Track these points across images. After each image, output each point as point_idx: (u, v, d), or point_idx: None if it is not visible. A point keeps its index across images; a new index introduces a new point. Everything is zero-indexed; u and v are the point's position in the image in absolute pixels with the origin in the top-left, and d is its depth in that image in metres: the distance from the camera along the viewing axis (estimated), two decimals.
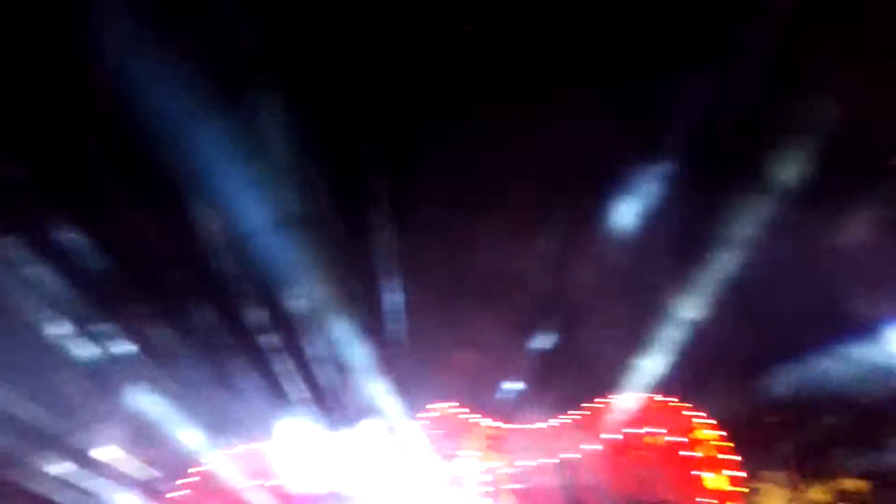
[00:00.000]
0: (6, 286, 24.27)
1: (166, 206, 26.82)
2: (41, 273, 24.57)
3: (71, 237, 25.75)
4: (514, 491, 31.94)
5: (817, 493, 28.84)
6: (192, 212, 26.89)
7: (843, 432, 27.27)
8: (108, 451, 27.67)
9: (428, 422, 32.06)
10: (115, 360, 27.33)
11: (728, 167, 26.12)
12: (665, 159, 26.38)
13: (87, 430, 27.36)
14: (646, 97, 25.17)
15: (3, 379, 23.66)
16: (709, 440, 30.74)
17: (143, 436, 27.90)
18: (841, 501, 28.06)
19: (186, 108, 24.16)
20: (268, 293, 28.69)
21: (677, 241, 28.67)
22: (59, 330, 26.06)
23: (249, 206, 26.20)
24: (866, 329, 27.19)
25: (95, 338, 26.94)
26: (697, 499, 30.31)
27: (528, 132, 26.82)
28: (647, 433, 31.19)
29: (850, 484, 28.20)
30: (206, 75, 24.26)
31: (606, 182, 27.43)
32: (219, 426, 29.27)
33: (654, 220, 27.90)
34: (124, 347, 27.49)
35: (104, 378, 26.93)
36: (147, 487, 28.16)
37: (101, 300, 26.69)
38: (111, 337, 27.37)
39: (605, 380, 30.44)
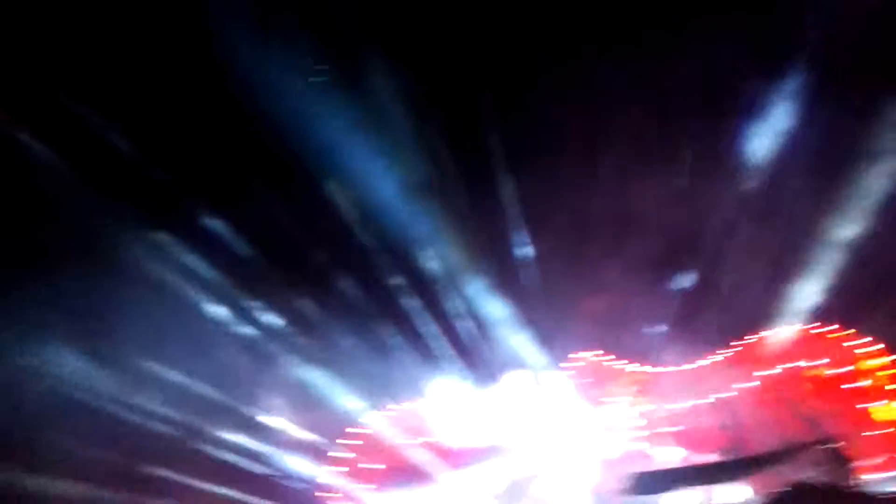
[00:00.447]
0: (170, 276, 26.70)
1: (300, 187, 28.38)
2: (197, 261, 26.76)
3: (221, 226, 27.85)
4: (670, 433, 31.51)
5: None
6: (324, 189, 28.24)
7: None
8: (272, 419, 29.71)
9: (574, 371, 32.13)
10: (272, 334, 29.12)
11: (870, 71, 23.80)
12: (795, 71, 24.44)
13: (253, 401, 29.37)
14: (765, 12, 23.43)
15: (175, 358, 26.21)
16: (875, 369, 28.72)
17: (303, 403, 29.55)
18: None
19: (306, 90, 25.46)
20: (405, 259, 29.59)
21: (821, 159, 26.63)
22: (219, 311, 28.20)
23: (378, 176, 27.12)
24: None
25: (252, 316, 28.94)
26: (865, 432, 28.53)
27: (645, 64, 25.85)
28: (807, 366, 29.53)
29: None
30: (322, 54, 25.46)
31: (734, 104, 25.81)
32: (372, 389, 30.63)
33: (793, 139, 26.03)
34: (279, 322, 29.19)
35: (264, 352, 28.79)
36: (311, 449, 30.02)
37: (253, 281, 28.69)
38: (267, 314, 29.27)
39: (755, 313, 29.11)
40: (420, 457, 31.21)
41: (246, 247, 28.20)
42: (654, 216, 28.24)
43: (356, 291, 29.53)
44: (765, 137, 26.42)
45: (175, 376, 26.38)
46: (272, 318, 29.04)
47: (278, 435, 29.47)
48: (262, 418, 29.22)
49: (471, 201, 28.08)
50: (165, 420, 26.21)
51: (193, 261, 26.99)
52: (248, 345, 28.38)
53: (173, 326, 26.28)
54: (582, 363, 32.21)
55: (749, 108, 26.19)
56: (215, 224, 27.91)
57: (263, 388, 29.66)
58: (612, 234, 28.78)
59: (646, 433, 31.26)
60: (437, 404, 32.23)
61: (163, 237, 27.02)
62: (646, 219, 28.06)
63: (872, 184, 25.33)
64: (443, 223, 28.06)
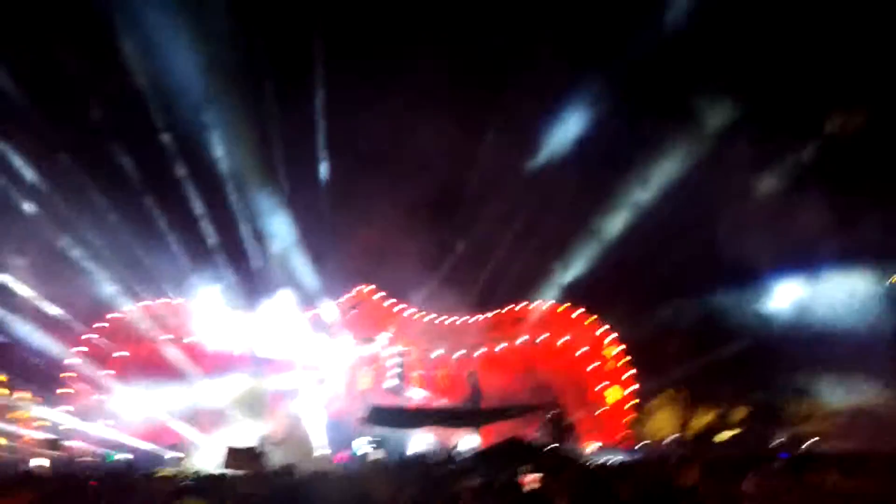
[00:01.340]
0: None
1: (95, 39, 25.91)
2: None
3: None
4: (421, 377, 33.37)
5: (702, 416, 30.15)
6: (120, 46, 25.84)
7: (732, 364, 28.19)
8: (16, 283, 27.33)
9: (344, 300, 32.94)
10: (32, 191, 26.35)
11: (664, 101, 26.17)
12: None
13: None
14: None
15: None
16: (612, 355, 31.94)
17: (55, 274, 27.54)
18: (722, 425, 29.37)
19: None
20: (195, 150, 27.95)
21: (608, 159, 28.79)
22: None
23: (182, 50, 25.31)
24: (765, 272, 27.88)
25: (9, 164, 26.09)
26: (594, 409, 31.79)
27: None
28: (551, 339, 32.26)
29: (733, 411, 29.48)
30: None
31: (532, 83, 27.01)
32: (135, 276, 29.48)
33: (588, 136, 27.83)
34: (41, 179, 26.47)
35: (16, 208, 26.14)
36: (58, 326, 28.63)
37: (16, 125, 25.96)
38: (28, 166, 26.47)
39: (520, 283, 31.08)
40: (173, 354, 30.98)
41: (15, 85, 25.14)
42: (445, 168, 29.06)
43: (137, 169, 27.36)
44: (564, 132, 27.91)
45: None
46: (33, 171, 26.28)
47: (20, 301, 27.44)
48: (3, 278, 26.85)
49: (273, 109, 27.26)
50: None
51: None
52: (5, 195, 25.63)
53: None
54: (352, 294, 33.15)
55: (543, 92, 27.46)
56: None
57: (10, 246, 27.35)
58: (400, 176, 29.16)
59: (397, 371, 32.89)
60: (201, 306, 31.91)
61: None
62: (437, 169, 28.75)
63: (644, 187, 27.81)
64: (241, 123, 27.05)
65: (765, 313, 28.49)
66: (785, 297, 29.00)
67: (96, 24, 24.40)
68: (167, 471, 18.97)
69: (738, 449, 25.24)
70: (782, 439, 27.12)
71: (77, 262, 27.08)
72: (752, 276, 28.19)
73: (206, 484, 8.75)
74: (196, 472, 13.55)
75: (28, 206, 25.89)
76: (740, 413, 29.56)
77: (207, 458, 23.20)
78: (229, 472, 14.91)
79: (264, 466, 14.89)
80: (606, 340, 31.94)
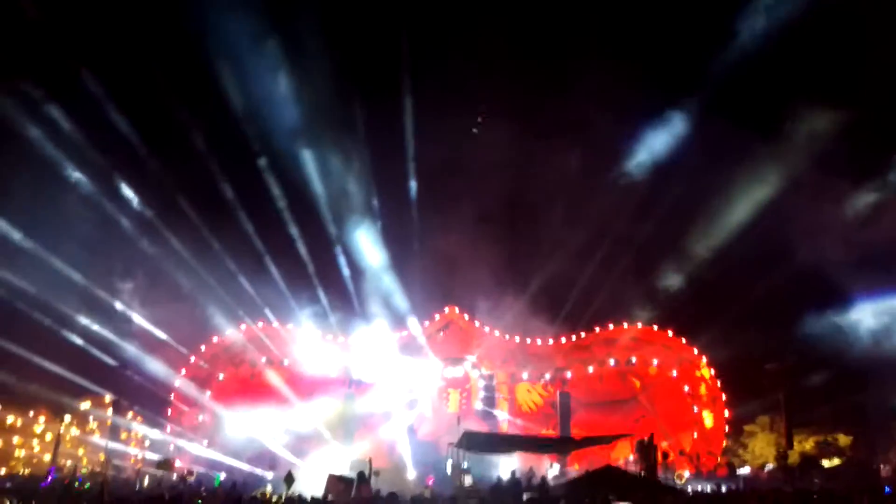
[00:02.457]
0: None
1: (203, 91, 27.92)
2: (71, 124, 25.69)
3: (105, 94, 26.44)
4: (509, 400, 33.38)
5: (803, 442, 29.02)
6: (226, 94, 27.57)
7: (833, 388, 27.08)
8: (131, 310, 29.04)
9: (433, 325, 33.35)
10: (147, 223, 28.51)
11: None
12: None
13: (112, 287, 28.84)
14: None
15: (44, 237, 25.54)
16: (706, 378, 31.09)
17: (165, 301, 29.41)
18: (823, 452, 28.19)
19: None
20: (297, 188, 29.65)
21: (701, 177, 28.28)
22: (90, 183, 27.14)
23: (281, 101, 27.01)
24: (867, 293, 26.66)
25: (127, 198, 28.10)
26: (688, 433, 30.99)
27: None
28: (645, 363, 31.70)
29: (834, 437, 28.26)
30: None
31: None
32: (239, 304, 30.81)
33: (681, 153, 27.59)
34: (154, 212, 28.53)
35: (133, 239, 28.08)
36: (168, 351, 30.07)
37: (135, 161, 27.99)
38: (144, 198, 28.60)
39: (609, 305, 30.88)
40: (271, 377, 32.13)
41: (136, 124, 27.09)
42: (532, 189, 29.30)
43: (237, 197, 29.18)
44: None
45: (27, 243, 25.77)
46: (149, 207, 28.25)
47: (129, 325, 29.04)
48: (120, 306, 28.58)
49: (370, 142, 28.42)
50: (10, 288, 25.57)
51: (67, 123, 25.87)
52: (117, 226, 27.56)
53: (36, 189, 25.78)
54: (440, 316, 33.52)
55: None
56: (99, 91, 26.36)
57: (120, 272, 29.16)
58: (486, 196, 29.39)
59: (485, 395, 33.08)
60: (298, 331, 32.95)
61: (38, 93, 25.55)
62: (525, 189, 28.98)
63: (737, 206, 27.27)
64: (332, 149, 28.32)
65: (856, 335, 27.25)
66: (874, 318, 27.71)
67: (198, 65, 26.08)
68: (268, 492, 19.76)
69: (844, 479, 24.15)
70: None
71: (182, 289, 28.71)
72: (843, 297, 27.04)
73: None
74: (300, 496, 14.01)
75: (137, 235, 27.74)
76: (844, 440, 28.35)
77: (305, 481, 23.99)
78: (330, 497, 15.46)
79: (361, 495, 15.37)
80: (700, 364, 31.16)
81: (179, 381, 31.57)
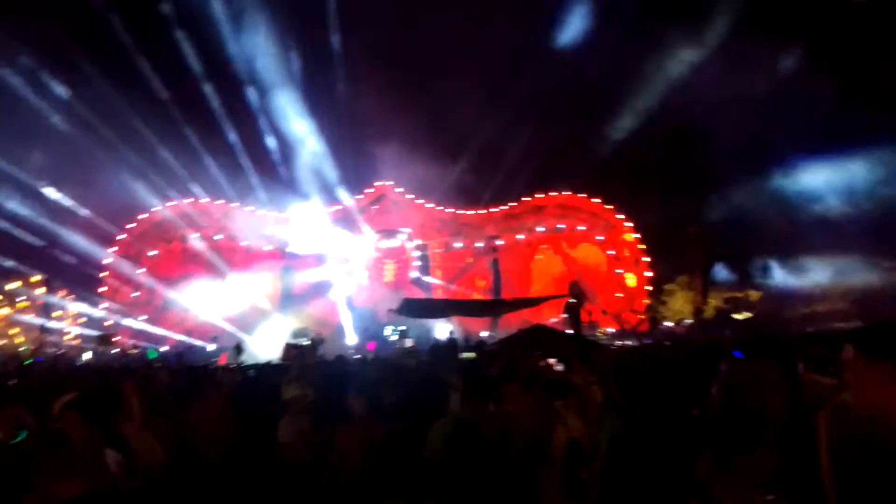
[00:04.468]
0: None
1: None
2: None
3: None
4: (443, 268, 34.43)
5: (715, 299, 31.19)
6: None
7: (751, 250, 28.92)
8: (53, 191, 27.85)
9: (367, 198, 33.57)
10: (64, 102, 27.18)
11: None
12: None
13: (35, 169, 27.58)
14: None
15: None
16: (628, 242, 32.68)
17: (89, 178, 28.33)
18: (733, 308, 30.40)
19: None
20: (219, 58, 28.45)
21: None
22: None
23: None
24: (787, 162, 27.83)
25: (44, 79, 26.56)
26: (614, 293, 32.81)
27: None
28: (571, 228, 32.96)
29: (746, 294, 30.44)
30: None
31: None
32: (166, 180, 30.14)
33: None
34: (74, 90, 27.05)
35: (52, 119, 26.85)
36: (92, 228, 29.50)
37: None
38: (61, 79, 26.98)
39: (538, 175, 31.49)
40: (204, 252, 32.27)
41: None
42: (462, 60, 28.86)
43: (162, 73, 27.97)
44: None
45: None
46: (63, 81, 26.64)
47: (53, 204, 28.07)
48: (41, 184, 27.45)
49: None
50: None
51: None
52: (29, 100, 26.05)
53: None
54: (372, 190, 33.78)
55: None
56: None
57: (42, 152, 27.86)
58: (418, 67, 28.88)
59: (420, 263, 33.97)
60: (230, 206, 32.70)
61: None
62: (454, 61, 28.54)
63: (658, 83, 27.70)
64: (260, 27, 27.15)
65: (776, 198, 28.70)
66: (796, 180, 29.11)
67: None
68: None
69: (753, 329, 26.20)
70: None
71: (106, 166, 27.71)
72: (761, 163, 28.18)
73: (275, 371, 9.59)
74: (256, 364, 14.19)
75: (58, 116, 26.38)
76: (754, 295, 30.58)
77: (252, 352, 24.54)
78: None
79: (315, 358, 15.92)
80: (623, 228, 32.60)
81: (110, 259, 31.20)
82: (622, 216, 32.31)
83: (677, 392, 3.97)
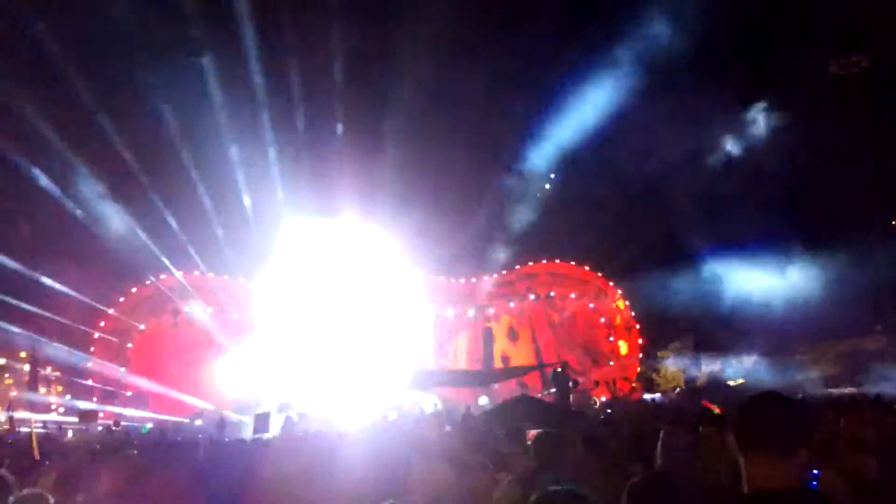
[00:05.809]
0: None
1: None
2: None
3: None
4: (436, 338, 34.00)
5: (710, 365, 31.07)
6: None
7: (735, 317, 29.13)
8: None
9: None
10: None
11: None
12: None
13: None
14: None
15: None
16: (620, 309, 32.71)
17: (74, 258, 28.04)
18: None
19: None
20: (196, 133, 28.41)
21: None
22: None
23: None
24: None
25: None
26: (610, 362, 32.58)
27: None
28: (563, 297, 33.03)
29: (739, 359, 30.39)
30: None
31: None
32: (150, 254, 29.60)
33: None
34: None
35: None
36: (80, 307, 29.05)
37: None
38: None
39: (523, 243, 31.55)
40: (192, 327, 31.93)
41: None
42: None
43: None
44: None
45: None
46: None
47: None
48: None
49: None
50: None
51: None
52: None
53: None
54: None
55: None
56: None
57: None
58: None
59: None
60: (214, 279, 32.61)
61: None
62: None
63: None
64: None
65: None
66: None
67: None
68: None
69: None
70: None
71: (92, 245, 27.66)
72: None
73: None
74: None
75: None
76: (748, 360, 30.44)
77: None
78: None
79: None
80: (615, 296, 32.70)
81: (98, 333, 30.97)
82: (612, 283, 32.44)
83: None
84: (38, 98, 24.68)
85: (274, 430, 22.60)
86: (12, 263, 25.76)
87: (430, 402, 26.57)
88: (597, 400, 29.11)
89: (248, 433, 23.44)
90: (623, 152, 28.60)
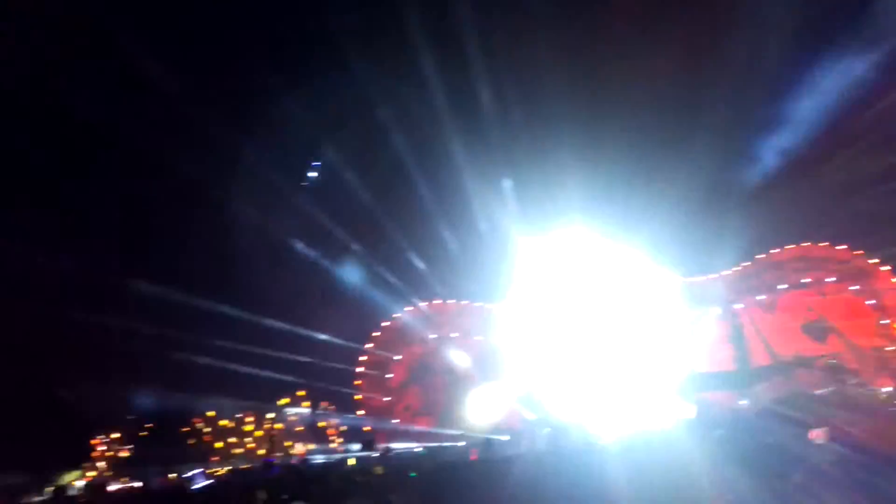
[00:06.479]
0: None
1: None
2: None
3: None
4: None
5: None
6: None
7: None
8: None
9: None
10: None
11: None
12: None
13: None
14: None
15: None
16: (886, 288, 29.42)
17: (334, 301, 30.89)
18: None
19: None
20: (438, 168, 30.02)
21: None
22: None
23: None
24: None
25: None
26: (879, 347, 29.49)
27: None
28: (817, 282, 30.49)
29: None
30: None
31: None
32: (405, 285, 31.82)
33: None
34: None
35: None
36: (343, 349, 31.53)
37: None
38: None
39: (768, 230, 29.58)
40: (444, 353, 33.59)
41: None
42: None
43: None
44: None
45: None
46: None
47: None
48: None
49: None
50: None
51: None
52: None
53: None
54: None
55: None
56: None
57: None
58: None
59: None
60: (463, 306, 34.06)
61: None
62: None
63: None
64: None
65: None
66: None
67: None
68: None
69: None
70: None
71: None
72: None
73: None
74: None
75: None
76: None
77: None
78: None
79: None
80: (881, 272, 29.50)
81: (361, 368, 33.42)
82: (876, 260, 29.31)
83: None
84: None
85: (538, 444, 22.99)
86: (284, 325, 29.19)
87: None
88: (879, 391, 26.36)
89: (510, 450, 24.00)
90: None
